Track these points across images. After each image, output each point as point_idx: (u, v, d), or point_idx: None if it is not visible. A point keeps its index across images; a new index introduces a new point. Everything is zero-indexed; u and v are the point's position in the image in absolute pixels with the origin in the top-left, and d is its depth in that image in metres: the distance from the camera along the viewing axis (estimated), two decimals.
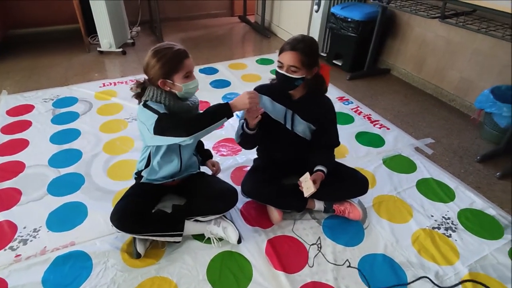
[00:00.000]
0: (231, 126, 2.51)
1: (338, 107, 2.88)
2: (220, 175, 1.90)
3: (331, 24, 3.46)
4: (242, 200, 1.81)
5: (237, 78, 3.32)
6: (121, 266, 1.51)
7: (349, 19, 3.24)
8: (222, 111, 1.39)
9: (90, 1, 3.41)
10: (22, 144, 2.28)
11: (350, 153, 2.31)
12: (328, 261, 1.57)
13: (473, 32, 2.33)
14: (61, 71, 3.37)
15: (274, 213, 1.73)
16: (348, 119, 2.71)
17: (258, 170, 1.84)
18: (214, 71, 3.47)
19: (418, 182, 2.08)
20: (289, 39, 1.55)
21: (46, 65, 3.48)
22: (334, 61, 3.64)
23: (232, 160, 2.19)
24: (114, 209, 1.48)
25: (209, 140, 2.30)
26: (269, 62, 3.71)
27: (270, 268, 1.53)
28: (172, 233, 1.53)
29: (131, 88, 1.52)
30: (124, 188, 1.73)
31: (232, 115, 1.41)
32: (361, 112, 2.82)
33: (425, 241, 1.69)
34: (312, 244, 1.65)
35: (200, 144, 1.88)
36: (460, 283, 1.49)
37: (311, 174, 1.60)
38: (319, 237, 1.69)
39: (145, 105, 1.43)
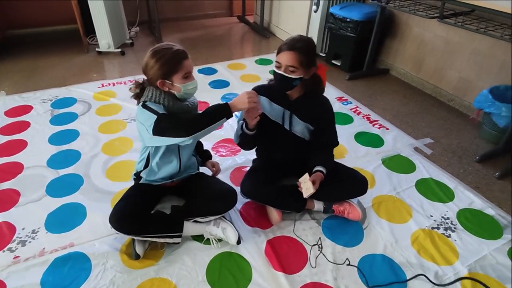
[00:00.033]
0: (230, 127, 2.50)
1: (337, 107, 2.88)
2: (219, 176, 1.90)
3: (330, 24, 3.46)
4: (241, 200, 1.80)
5: (236, 78, 3.32)
6: (120, 267, 1.51)
7: (348, 19, 3.24)
8: (222, 111, 1.39)
9: (88, 1, 3.40)
10: (21, 145, 2.27)
11: (349, 153, 2.31)
12: (329, 260, 1.57)
13: (472, 32, 2.33)
14: (59, 71, 3.36)
15: (274, 213, 1.73)
16: (347, 119, 2.71)
17: (257, 170, 1.84)
18: (213, 71, 3.46)
19: (417, 182, 2.08)
20: (286, 39, 1.55)
21: (44, 65, 3.48)
22: (333, 61, 3.64)
23: (231, 161, 2.19)
24: (113, 211, 1.48)
25: (208, 141, 2.30)
26: (268, 62, 3.70)
27: (269, 269, 1.53)
28: (171, 234, 1.53)
29: (130, 89, 1.52)
30: (123, 189, 1.73)
31: (231, 115, 1.41)
32: (360, 112, 2.82)
33: (425, 241, 1.69)
34: (314, 245, 1.65)
35: (199, 145, 1.88)
36: (458, 279, 1.49)
37: (310, 175, 1.60)
38: (319, 238, 1.69)
39: (144, 106, 1.42)
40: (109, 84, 3.11)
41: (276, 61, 1.54)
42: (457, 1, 2.32)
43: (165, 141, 1.38)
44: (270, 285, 1.46)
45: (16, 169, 2.07)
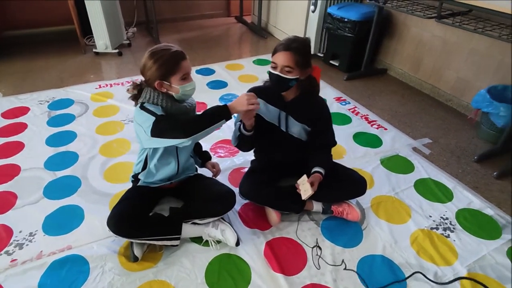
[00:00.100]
0: (228, 128, 2.49)
1: (336, 107, 2.88)
2: (218, 177, 1.89)
3: (327, 25, 3.46)
4: (240, 202, 1.80)
5: (234, 79, 3.31)
6: (118, 270, 1.50)
7: (345, 19, 3.24)
8: (221, 113, 1.38)
9: (85, 2, 3.39)
10: (18, 147, 2.26)
11: (348, 153, 2.31)
12: (327, 263, 1.56)
13: (470, 32, 2.33)
14: (56, 72, 3.35)
15: (273, 214, 1.72)
16: (346, 120, 2.71)
17: (255, 171, 1.83)
18: (210, 72, 3.46)
19: (416, 182, 2.08)
20: (282, 40, 1.55)
21: (41, 66, 3.46)
22: (331, 61, 3.64)
23: (229, 162, 2.18)
24: (110, 214, 1.47)
25: (206, 142, 2.29)
26: (266, 62, 3.70)
27: (269, 271, 1.52)
28: (170, 236, 1.52)
29: (128, 90, 1.51)
30: (121, 191, 1.72)
31: (230, 117, 1.40)
32: (358, 112, 2.82)
33: (424, 242, 1.69)
34: (314, 247, 1.64)
35: (198, 146, 1.87)
36: (457, 279, 1.49)
37: (308, 176, 1.59)
38: (317, 239, 1.68)
39: (142, 107, 1.41)
40: (107, 85, 3.10)
41: (272, 62, 1.54)
42: (455, 1, 2.32)
43: (163, 143, 1.38)
44: (269, 286, 1.45)
45: (13, 171, 2.05)
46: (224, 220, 1.66)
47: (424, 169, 2.18)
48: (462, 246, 1.68)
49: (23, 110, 2.67)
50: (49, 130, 2.45)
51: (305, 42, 1.55)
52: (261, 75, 3.36)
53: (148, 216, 1.59)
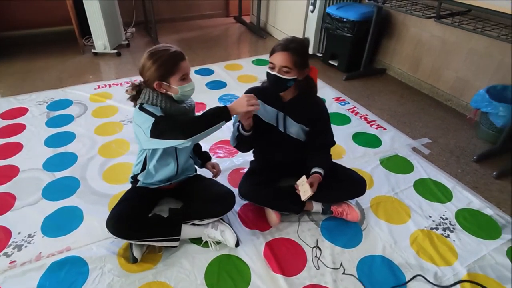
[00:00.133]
0: (227, 128, 2.47)
1: (335, 107, 2.88)
2: (218, 177, 1.89)
3: (326, 25, 3.45)
4: (239, 202, 1.80)
5: (233, 79, 3.31)
6: (118, 271, 1.49)
7: (344, 19, 3.24)
8: (221, 114, 1.38)
9: (84, 2, 3.38)
10: (16, 148, 2.25)
11: (347, 153, 2.31)
12: (326, 266, 1.55)
13: (469, 32, 2.33)
14: (55, 73, 3.34)
15: (272, 215, 1.72)
16: (345, 120, 2.71)
17: (254, 172, 1.83)
18: (209, 72, 3.45)
19: (416, 182, 2.08)
20: (279, 41, 1.54)
21: (40, 67, 3.45)
22: (330, 61, 3.64)
23: (229, 162, 2.18)
24: (110, 215, 1.47)
25: (205, 142, 2.28)
26: (265, 62, 3.69)
27: (268, 271, 1.52)
28: (169, 237, 1.52)
29: (127, 91, 1.50)
30: (120, 192, 1.72)
31: (230, 119, 1.40)
32: (357, 112, 2.82)
33: (424, 242, 1.69)
34: (314, 247, 1.64)
35: (197, 147, 1.86)
36: (457, 283, 1.49)
37: (308, 177, 1.59)
38: (317, 239, 1.68)
39: (141, 108, 1.41)
40: (105, 86, 3.09)
41: (270, 62, 1.54)
42: (454, 1, 2.32)
43: (162, 144, 1.37)
44: (269, 287, 1.45)
45: (11, 172, 2.04)
46: (224, 221, 1.66)
47: (424, 169, 2.18)
48: (462, 246, 1.68)
49: (22, 111, 2.66)
50: (48, 131, 2.44)
51: (303, 42, 1.55)
52: (260, 75, 3.36)
53: (148, 217, 1.59)
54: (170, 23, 4.89)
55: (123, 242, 1.60)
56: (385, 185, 2.04)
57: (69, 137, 2.37)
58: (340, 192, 1.76)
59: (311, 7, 3.59)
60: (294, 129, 1.68)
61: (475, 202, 1.94)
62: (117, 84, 3.12)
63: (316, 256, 1.60)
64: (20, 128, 2.46)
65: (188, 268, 1.52)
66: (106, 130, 2.47)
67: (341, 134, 2.48)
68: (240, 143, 1.70)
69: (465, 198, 1.97)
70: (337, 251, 1.63)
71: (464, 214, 1.86)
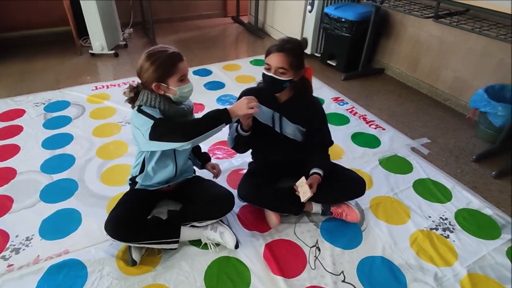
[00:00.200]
0: (226, 129, 2.47)
1: (333, 107, 2.87)
2: (217, 178, 1.88)
3: (324, 25, 3.45)
4: (239, 204, 1.79)
5: (231, 79, 3.30)
6: (116, 274, 1.48)
7: (342, 19, 3.24)
8: (221, 117, 1.37)
9: (81, 2, 3.36)
10: (13, 150, 2.23)
11: (346, 154, 2.31)
12: (326, 270, 1.54)
13: (467, 31, 2.33)
14: (52, 74, 3.32)
15: (272, 216, 1.71)
16: (344, 120, 2.70)
17: (253, 173, 1.82)
18: (208, 72, 3.44)
19: (415, 182, 2.07)
20: (275, 42, 1.54)
21: (37, 68, 3.43)
22: (328, 62, 3.63)
23: (228, 163, 2.17)
24: (108, 217, 1.45)
25: (204, 144, 2.25)
26: (263, 63, 3.66)
27: (268, 273, 1.51)
28: (168, 240, 1.51)
29: (124, 93, 1.49)
30: (119, 194, 1.71)
31: (230, 121, 1.39)
32: (356, 112, 2.82)
33: (423, 243, 1.68)
34: (312, 247, 1.63)
35: (197, 148, 1.86)
36: None
37: (307, 178, 1.58)
38: (316, 240, 1.67)
39: (140, 110, 1.40)
40: (103, 87, 3.07)
41: (266, 63, 1.53)
42: (452, 0, 2.32)
43: (162, 146, 1.36)
44: None
45: (8, 174, 2.03)
46: (223, 223, 1.65)
47: (423, 169, 2.18)
48: (461, 247, 1.67)
49: (19, 113, 2.65)
50: (45, 132, 2.42)
51: (298, 43, 1.55)
52: (258, 76, 3.29)
53: (146, 220, 1.57)
54: (168, 23, 4.87)
55: (122, 245, 1.58)
56: (385, 186, 2.04)
57: (67, 139, 2.35)
58: (339, 193, 1.75)
59: (309, 7, 3.58)
60: (290, 129, 1.68)
61: (475, 202, 1.94)
62: (114, 85, 3.11)
63: (314, 256, 1.59)
64: (17, 130, 2.44)
65: (187, 270, 1.51)
66: (104, 131, 2.46)
67: (340, 134, 2.47)
68: (238, 143, 1.69)
69: (464, 198, 1.97)
70: (337, 252, 1.62)
71: (464, 214, 1.86)
